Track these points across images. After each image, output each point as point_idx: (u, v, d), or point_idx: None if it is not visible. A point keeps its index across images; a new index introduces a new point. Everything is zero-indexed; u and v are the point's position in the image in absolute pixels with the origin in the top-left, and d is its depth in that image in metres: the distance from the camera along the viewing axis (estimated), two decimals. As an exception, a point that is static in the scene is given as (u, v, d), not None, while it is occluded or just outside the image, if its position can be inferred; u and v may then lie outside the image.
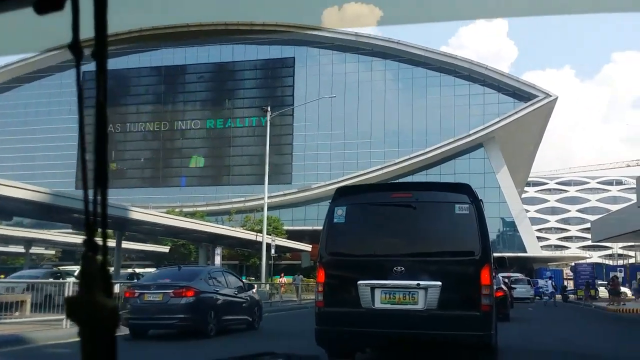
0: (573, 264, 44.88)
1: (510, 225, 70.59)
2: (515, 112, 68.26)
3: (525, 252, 67.91)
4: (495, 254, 9.65)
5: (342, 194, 8.20)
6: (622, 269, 56.34)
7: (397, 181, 73.17)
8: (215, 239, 35.38)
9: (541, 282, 49.55)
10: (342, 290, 7.77)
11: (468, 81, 71.30)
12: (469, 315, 7.22)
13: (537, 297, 46.71)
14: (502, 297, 19.63)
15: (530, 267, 68.11)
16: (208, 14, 66.74)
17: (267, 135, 31.58)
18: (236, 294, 14.74)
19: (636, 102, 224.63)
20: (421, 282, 7.28)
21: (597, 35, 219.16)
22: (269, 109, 31.46)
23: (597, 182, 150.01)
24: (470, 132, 69.05)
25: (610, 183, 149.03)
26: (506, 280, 34.59)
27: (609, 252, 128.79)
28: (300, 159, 72.76)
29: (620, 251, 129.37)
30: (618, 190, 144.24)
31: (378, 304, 7.41)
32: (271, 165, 79.58)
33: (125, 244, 40.80)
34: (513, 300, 32.21)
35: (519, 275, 40.62)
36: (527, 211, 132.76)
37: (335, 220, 7.88)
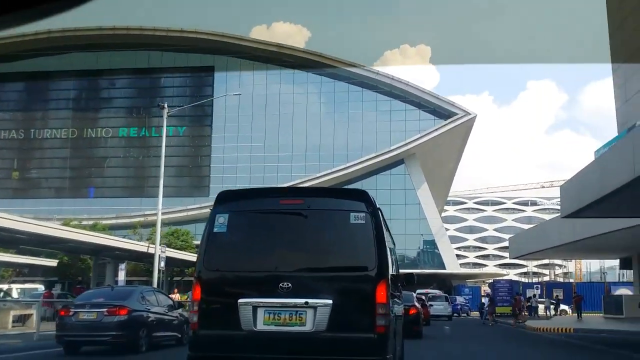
0: (492, 280, 43.55)
1: (430, 242, 69.60)
2: (435, 129, 67.61)
3: (445, 269, 66.95)
4: (405, 270, 9.44)
5: (225, 199, 7.23)
6: (539, 286, 56.08)
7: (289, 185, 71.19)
8: (100, 251, 31.59)
9: (459, 299, 48.22)
10: (221, 310, 6.90)
11: (389, 97, 70.30)
12: (362, 338, 6.43)
13: (455, 314, 45.33)
14: (415, 315, 19.32)
15: (449, 284, 67.10)
16: (135, 19, 62.96)
17: (164, 135, 28.45)
18: (166, 312, 15.54)
19: (549, 128, 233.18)
20: (310, 301, 6.48)
21: (514, 64, 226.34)
22: (165, 105, 28.31)
23: (513, 203, 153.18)
24: (392, 147, 67.84)
25: (525, 204, 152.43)
26: (423, 297, 32.78)
27: (524, 270, 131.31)
28: (219, 172, 69.50)
29: (535, 269, 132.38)
30: (532, 211, 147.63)
31: (260, 326, 6.57)
32: (189, 176, 76.94)
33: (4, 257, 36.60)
34: (429, 317, 30.51)
35: (437, 292, 38.92)
36: (447, 229, 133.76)
37: (215, 230, 6.97)
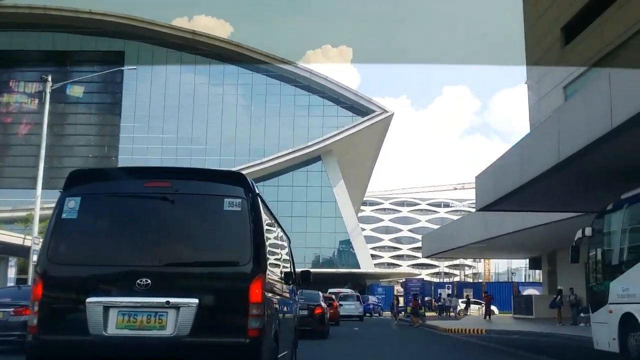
0: (404, 279, 42.45)
1: (345, 241, 68.31)
2: (353, 126, 66.39)
3: (359, 268, 65.82)
4: (303, 269, 8.91)
5: (78, 180, 6.24)
6: (450, 285, 55.81)
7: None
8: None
9: (372, 298, 46.97)
10: (66, 312, 5.91)
11: (308, 92, 68.56)
12: (231, 343, 5.65)
13: (368, 314, 43.98)
14: (320, 315, 18.90)
15: (363, 284, 66.05)
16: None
17: (46, 112, 25.15)
18: None
19: (463, 132, 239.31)
20: (172, 300, 5.60)
21: (431, 69, 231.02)
22: (49, 78, 25.08)
23: (427, 204, 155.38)
24: (309, 143, 66.08)
25: (438, 205, 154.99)
26: (332, 296, 31.03)
27: (436, 270, 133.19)
28: (128, 163, 65.55)
29: (447, 270, 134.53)
30: (445, 212, 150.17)
31: (112, 330, 5.59)
32: (97, 166, 72.40)
33: None
34: (338, 317, 28.83)
35: (348, 291, 37.33)
36: (363, 229, 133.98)
37: (64, 216, 5.95)
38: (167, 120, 67.12)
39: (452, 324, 27.36)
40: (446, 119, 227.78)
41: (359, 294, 36.26)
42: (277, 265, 7.26)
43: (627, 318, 10.35)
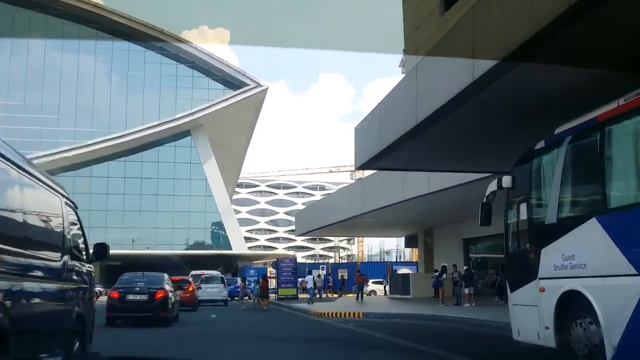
0: (276, 259, 38.75)
1: (217, 222, 63.59)
2: (225, 99, 61.65)
3: (231, 249, 61.51)
4: (98, 242, 7.37)
5: None
6: (325, 266, 52.97)
7: (93, 167, 62.23)
8: None
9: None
10: None
11: (176, 61, 62.95)
12: None
13: (236, 298, 39.90)
14: (162, 299, 17.03)
15: (236, 266, 61.76)
16: None
17: None
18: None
19: (339, 119, 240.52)
20: None
21: (308, 55, 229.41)
22: None
23: (303, 187, 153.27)
24: (177, 116, 60.56)
25: (314, 188, 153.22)
26: (189, 278, 26.69)
27: (311, 252, 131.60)
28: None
29: (322, 252, 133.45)
30: (320, 195, 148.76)
31: None
32: None
33: None
34: (196, 302, 24.64)
35: (213, 272, 32.96)
36: (239, 212, 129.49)
37: None
38: (12, 87, 58.87)
39: (324, 306, 24.00)
40: (323, 106, 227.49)
41: (223, 276, 32.00)
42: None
43: (569, 298, 7.08)
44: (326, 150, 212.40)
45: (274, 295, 37.22)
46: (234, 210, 79.85)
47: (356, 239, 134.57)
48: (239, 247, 62.34)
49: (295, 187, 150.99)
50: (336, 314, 19.80)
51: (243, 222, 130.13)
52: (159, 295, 16.92)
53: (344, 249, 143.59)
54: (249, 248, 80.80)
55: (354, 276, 34.50)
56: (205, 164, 62.55)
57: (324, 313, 20.25)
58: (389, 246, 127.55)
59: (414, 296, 29.66)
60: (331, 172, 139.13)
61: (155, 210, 61.34)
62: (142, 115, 61.51)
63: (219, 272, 31.80)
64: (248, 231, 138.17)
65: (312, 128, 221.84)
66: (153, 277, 19.09)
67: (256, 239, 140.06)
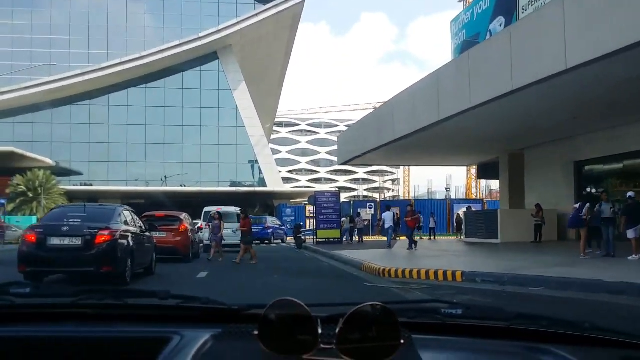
0: (314, 193, 30.38)
1: (249, 155, 55.38)
2: (256, 14, 52.38)
3: (266, 186, 53.58)
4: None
5: None
6: (372, 204, 44.66)
7: (110, 95, 54.63)
8: None
9: (271, 220, 34.85)
10: None
11: (199, -28, 53.89)
12: None
13: (266, 242, 31.99)
14: (108, 245, 10.05)
15: (272, 205, 53.86)
16: None
17: None
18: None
19: (382, 58, 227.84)
20: None
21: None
22: None
23: (346, 125, 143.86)
24: (201, 34, 51.79)
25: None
26: (181, 215, 18.39)
27: (354, 193, 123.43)
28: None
29: (365, 193, 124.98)
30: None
31: None
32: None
33: None
34: (190, 249, 16.59)
35: (230, 208, 24.58)
36: (278, 152, 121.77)
37: None
38: (20, 4, 51.05)
39: (384, 257, 15.60)
40: (365, 46, 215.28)
41: (239, 213, 23.62)
42: None
43: None
44: (368, 91, 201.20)
45: (311, 237, 29.15)
46: (273, 150, 71.78)
47: (402, 178, 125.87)
48: (274, 183, 54.29)
49: (337, 125, 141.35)
50: (409, 272, 11.27)
51: (283, 162, 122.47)
52: (101, 239, 10.05)
53: (389, 189, 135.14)
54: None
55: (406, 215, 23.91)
56: (236, 91, 54.00)
57: (385, 270, 11.76)
58: (437, 186, 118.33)
59: (504, 240, 21.02)
60: (375, 108, 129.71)
61: (181, 143, 53.53)
62: (162, 36, 53.10)
63: (236, 209, 23.50)
64: (288, 172, 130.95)
65: (353, 69, 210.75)
66: (98, 210, 11.20)
67: (297, 180, 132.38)
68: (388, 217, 20.31)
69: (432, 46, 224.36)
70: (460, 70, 16.24)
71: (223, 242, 18.35)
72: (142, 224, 12.34)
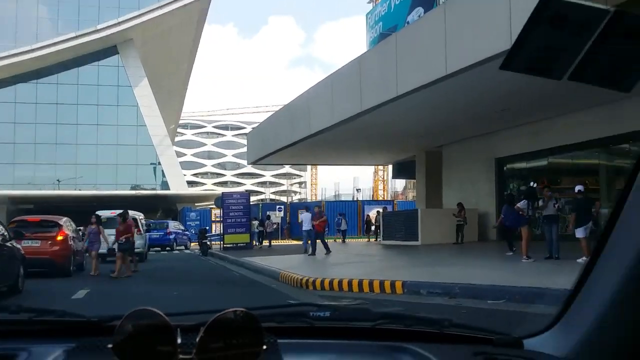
0: (221, 194, 27.97)
1: (151, 157, 51.84)
2: (160, 7, 49.13)
3: (169, 189, 50.29)
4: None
5: None
6: (282, 207, 42.91)
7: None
8: None
9: (172, 225, 32.05)
10: None
11: (97, -42, 49.93)
12: None
13: (167, 248, 29.20)
14: None
15: (175, 209, 50.63)
16: None
17: None
18: None
19: (290, 62, 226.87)
20: None
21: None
22: None
23: (253, 128, 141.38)
24: (99, 27, 47.89)
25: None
26: (61, 221, 15.40)
27: (262, 196, 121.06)
28: None
29: (272, 196, 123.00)
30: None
31: None
32: None
33: None
34: (71, 260, 13.92)
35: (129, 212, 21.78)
36: (183, 154, 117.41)
37: None
38: None
39: (303, 263, 13.69)
40: (272, 49, 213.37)
41: (138, 218, 20.82)
42: None
43: None
44: (275, 95, 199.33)
45: (218, 243, 26.78)
46: (177, 152, 68.12)
47: (309, 181, 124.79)
48: (178, 186, 51.11)
49: (244, 127, 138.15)
50: (338, 283, 9.36)
51: (188, 165, 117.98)
52: None
53: (296, 192, 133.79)
54: (194, 191, 69.40)
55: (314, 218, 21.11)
56: (137, 88, 50.42)
57: (309, 281, 9.80)
58: (344, 189, 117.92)
59: (425, 242, 19.69)
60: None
61: (76, 143, 49.24)
62: (57, 27, 48.74)
63: (136, 214, 20.81)
64: (193, 175, 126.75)
65: (261, 72, 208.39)
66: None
67: (202, 183, 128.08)
68: (306, 219, 18.39)
69: (338, 51, 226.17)
70: (385, 55, 14.62)
71: (103, 250, 15.62)
72: (4, 232, 9.70)
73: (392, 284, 8.65)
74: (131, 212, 21.44)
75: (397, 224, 21.75)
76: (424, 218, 20.21)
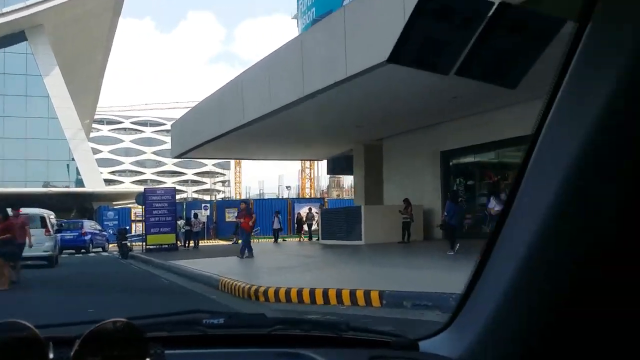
0: (143, 190, 25.48)
1: (63, 151, 47.98)
2: (73, -9, 45.57)
3: (84, 186, 46.76)
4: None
5: None
6: (208, 205, 40.66)
7: None
8: None
9: (88, 225, 29.11)
10: None
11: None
12: None
13: (82, 251, 26.38)
14: None
15: (91, 208, 47.07)
16: None
17: None
18: None
19: (210, 58, 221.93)
20: None
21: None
22: None
23: (176, 120, 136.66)
24: (4, 10, 43.78)
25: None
26: None
27: (184, 195, 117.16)
28: None
29: (196, 195, 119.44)
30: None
31: None
32: None
33: None
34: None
35: (35, 210, 18.97)
36: (99, 151, 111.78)
37: None
38: None
39: (239, 266, 11.86)
40: (192, 45, 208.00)
41: (47, 217, 18.14)
42: None
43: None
44: (196, 91, 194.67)
45: (140, 244, 24.36)
46: (93, 149, 63.90)
47: (233, 179, 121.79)
48: (94, 184, 47.63)
49: (164, 124, 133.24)
50: (297, 294, 7.62)
51: (104, 162, 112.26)
52: None
53: (219, 191, 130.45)
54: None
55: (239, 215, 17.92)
56: (47, 77, 46.57)
57: (260, 291, 8.03)
58: (269, 187, 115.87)
59: (369, 241, 18.27)
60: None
61: (-22, 136, 44.92)
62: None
63: (45, 212, 18.21)
64: (111, 173, 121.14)
65: (181, 68, 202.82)
66: None
67: (120, 182, 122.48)
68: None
69: (259, 49, 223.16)
70: (332, 32, 13.00)
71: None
72: None
73: (367, 295, 7.02)
74: (38, 210, 18.90)
75: (338, 222, 20.19)
76: (368, 215, 18.76)
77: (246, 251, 15.29)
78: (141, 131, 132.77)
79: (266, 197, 65.98)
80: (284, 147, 24.11)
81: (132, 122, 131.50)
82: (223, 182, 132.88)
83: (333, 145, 23.91)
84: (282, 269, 11.38)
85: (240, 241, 17.41)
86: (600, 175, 0.85)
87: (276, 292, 7.82)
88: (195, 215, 27.88)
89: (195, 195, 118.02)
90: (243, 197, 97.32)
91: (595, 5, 0.80)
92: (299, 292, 7.59)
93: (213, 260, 14.37)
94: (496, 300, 1.02)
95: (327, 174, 34.14)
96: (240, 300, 8.17)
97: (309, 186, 68.42)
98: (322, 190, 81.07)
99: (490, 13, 0.91)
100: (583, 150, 0.84)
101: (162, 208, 22.67)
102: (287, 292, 7.68)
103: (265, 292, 7.93)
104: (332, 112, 16.26)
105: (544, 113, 0.96)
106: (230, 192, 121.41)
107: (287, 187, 64.39)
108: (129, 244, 22.80)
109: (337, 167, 27.47)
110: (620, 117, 0.82)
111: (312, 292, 7.46)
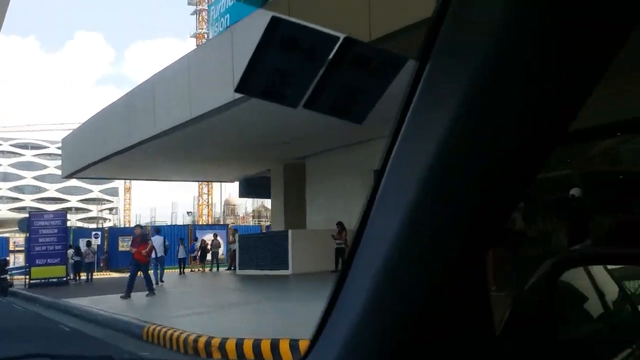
0: (28, 214, 21.84)
1: None
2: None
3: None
4: None
5: None
6: (98, 233, 36.86)
7: None
8: None
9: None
10: None
11: None
12: None
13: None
14: None
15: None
16: None
17: None
18: None
19: (99, 79, 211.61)
20: None
21: (63, 9, 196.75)
22: None
23: (58, 147, 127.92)
24: None
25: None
26: None
27: (78, 224, 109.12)
28: None
29: (80, 224, 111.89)
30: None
31: None
32: None
33: None
34: None
35: None
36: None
37: None
38: None
39: (164, 304, 9.40)
40: (80, 66, 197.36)
41: None
42: None
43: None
44: (83, 113, 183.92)
45: (22, 277, 20.75)
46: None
47: (121, 207, 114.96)
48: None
49: (47, 147, 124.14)
50: (272, 347, 5.44)
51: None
52: None
53: (106, 219, 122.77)
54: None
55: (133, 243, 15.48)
56: None
57: (212, 344, 5.74)
58: (161, 215, 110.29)
59: (297, 270, 16.18)
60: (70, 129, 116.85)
61: None
62: None
63: None
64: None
65: (67, 89, 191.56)
66: None
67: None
68: (158, 243, 13.83)
69: (150, 71, 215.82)
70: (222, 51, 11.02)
71: None
72: None
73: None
74: None
75: (260, 249, 17.88)
76: (296, 241, 16.64)
77: (150, 288, 12.41)
78: (21, 155, 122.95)
79: (158, 224, 62.08)
80: (190, 167, 21.60)
81: (11, 145, 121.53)
82: (111, 209, 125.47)
83: (249, 165, 21.69)
84: (225, 308, 8.99)
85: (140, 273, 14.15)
86: (444, 201, 0.82)
87: (239, 345, 5.55)
88: (89, 244, 24.47)
89: (79, 224, 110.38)
90: (133, 225, 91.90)
91: (434, 47, 0.80)
92: (275, 345, 5.38)
93: (118, 298, 11.63)
94: (352, 323, 0.94)
95: (239, 196, 31.56)
96: (183, 357, 5.81)
97: (206, 213, 65.08)
98: (216, 218, 77.78)
99: (336, 47, 0.90)
100: (426, 177, 0.81)
101: (51, 235, 19.32)
102: (257, 347, 5.45)
103: (221, 346, 5.64)
104: (250, 129, 14.23)
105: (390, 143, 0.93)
106: (119, 220, 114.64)
107: (188, 212, 60.75)
108: (8, 277, 19.20)
109: (250, 189, 25.20)
110: (461, 156, 0.80)
111: (294, 348, 5.29)
